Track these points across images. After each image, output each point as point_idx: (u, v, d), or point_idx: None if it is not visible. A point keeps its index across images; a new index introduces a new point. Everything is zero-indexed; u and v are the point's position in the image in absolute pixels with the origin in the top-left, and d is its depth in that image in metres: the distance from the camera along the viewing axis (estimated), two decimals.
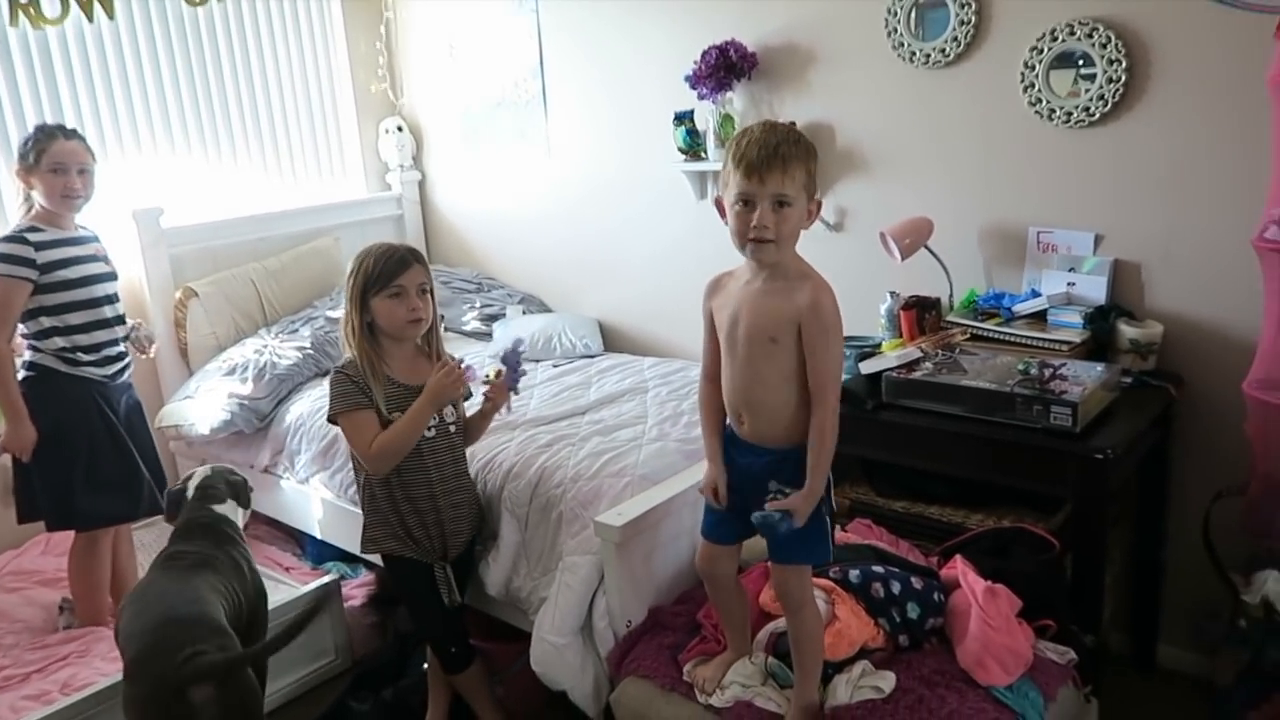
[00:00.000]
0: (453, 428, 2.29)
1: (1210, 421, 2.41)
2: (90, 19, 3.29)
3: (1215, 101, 2.29)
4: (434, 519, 2.26)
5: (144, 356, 2.91)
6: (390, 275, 2.15)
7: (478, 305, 3.84)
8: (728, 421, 1.91)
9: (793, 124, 1.74)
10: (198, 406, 3.19)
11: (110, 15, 3.33)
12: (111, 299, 2.73)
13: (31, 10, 3.16)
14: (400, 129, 4.12)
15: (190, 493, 2.38)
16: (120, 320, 2.76)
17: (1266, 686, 2.28)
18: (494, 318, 3.75)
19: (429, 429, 2.20)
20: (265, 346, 3.32)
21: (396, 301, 2.16)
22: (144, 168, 3.49)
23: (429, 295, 2.23)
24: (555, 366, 3.34)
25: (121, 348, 2.76)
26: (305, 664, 2.73)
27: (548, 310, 3.84)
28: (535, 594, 2.34)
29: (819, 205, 1.76)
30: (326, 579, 2.82)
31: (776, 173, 1.63)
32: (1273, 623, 2.15)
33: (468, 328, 3.77)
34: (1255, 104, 2.07)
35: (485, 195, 4.05)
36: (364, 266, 2.17)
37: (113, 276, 2.76)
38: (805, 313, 1.69)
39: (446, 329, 3.71)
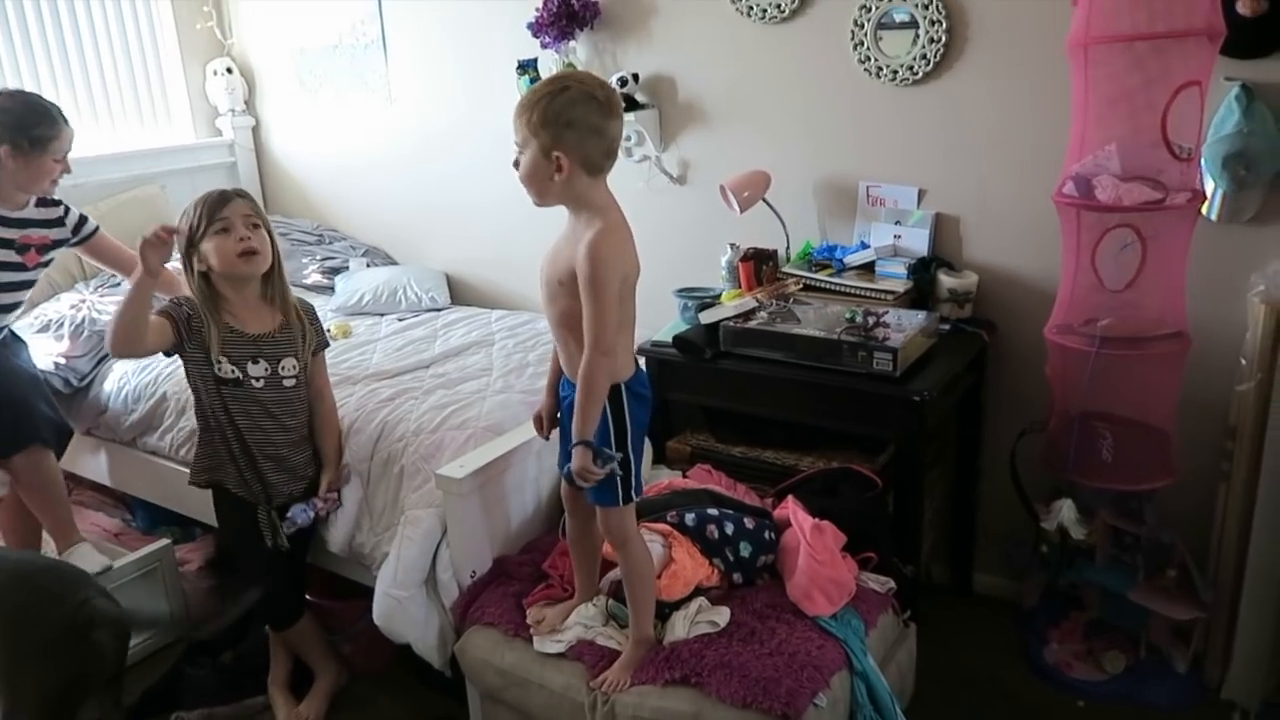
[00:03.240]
0: (288, 381, 2.27)
1: (1018, 365, 2.60)
2: None
3: (1024, 64, 2.44)
4: (249, 465, 2.27)
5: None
6: (213, 210, 2.14)
7: (319, 258, 3.70)
8: None
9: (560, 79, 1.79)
10: None
11: None
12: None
13: None
14: (230, 71, 3.89)
15: None
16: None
17: (1065, 605, 2.52)
18: (336, 270, 3.63)
19: (256, 379, 2.23)
20: (83, 301, 3.11)
21: (224, 237, 2.13)
22: None
23: (263, 231, 2.20)
24: (400, 320, 3.27)
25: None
26: (138, 631, 2.61)
27: (393, 263, 3.75)
28: (378, 550, 2.31)
29: (558, 160, 1.71)
30: (159, 544, 2.70)
31: (515, 126, 1.75)
32: (1067, 547, 2.36)
33: (309, 281, 3.64)
34: (1058, 67, 2.22)
35: (325, 143, 3.89)
36: (186, 213, 2.18)
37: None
38: (579, 260, 1.73)
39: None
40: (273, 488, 2.29)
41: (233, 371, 2.21)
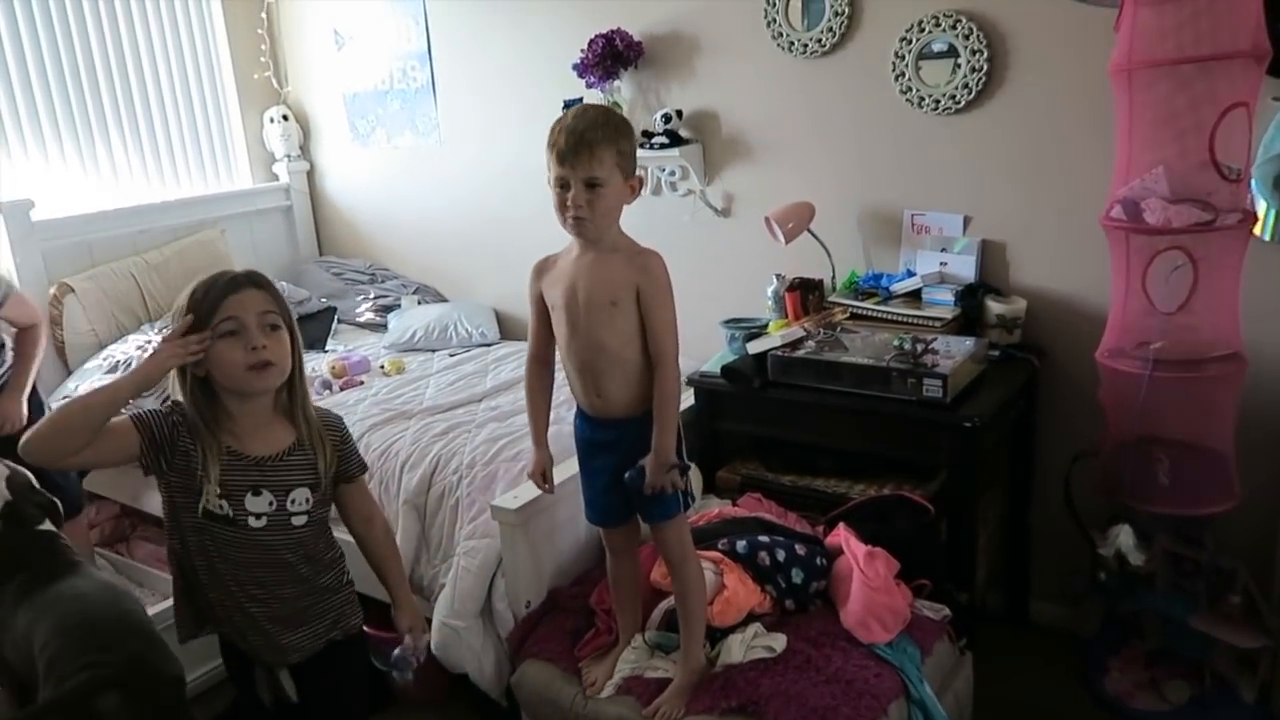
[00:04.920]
0: (297, 519, 1.67)
1: (1069, 389, 2.58)
2: None
3: (1066, 89, 2.45)
4: (250, 627, 1.70)
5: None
6: (217, 302, 1.57)
7: (372, 296, 3.80)
8: (580, 404, 1.98)
9: (610, 104, 1.87)
10: None
11: None
12: None
13: None
14: (286, 118, 4.03)
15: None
16: None
17: (1125, 634, 2.47)
18: (389, 308, 3.72)
19: (256, 517, 1.63)
20: (149, 343, 3.22)
21: (231, 342, 1.57)
22: (14, 160, 3.34)
23: (284, 332, 1.63)
24: (451, 355, 3.34)
25: None
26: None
27: (443, 299, 3.83)
28: (435, 581, 2.36)
29: (640, 181, 1.86)
30: None
31: (585, 157, 1.74)
32: (1125, 574, 2.33)
33: (362, 319, 3.74)
34: (1101, 92, 2.23)
35: (376, 184, 4.01)
36: (184, 304, 1.60)
37: None
38: (641, 276, 1.82)
39: (340, 321, 3.69)
40: (282, 653, 1.73)
41: (223, 507, 1.61)
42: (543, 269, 1.95)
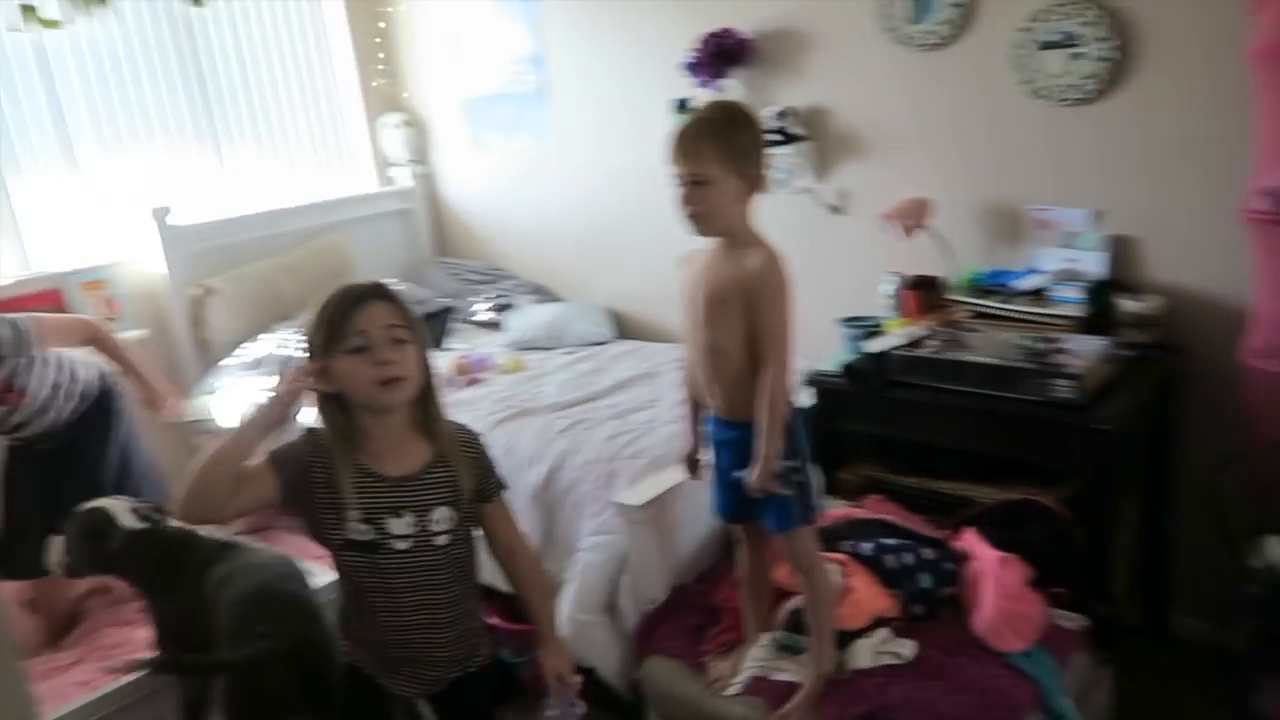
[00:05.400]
0: (440, 540, 1.62)
1: (1213, 390, 2.47)
2: (97, 21, 3.33)
3: (1200, 77, 2.35)
4: (399, 653, 1.67)
5: None
6: (344, 319, 1.54)
7: (489, 296, 3.90)
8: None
9: (729, 102, 1.86)
10: (221, 401, 3.25)
11: (117, 19, 3.37)
12: None
13: (40, 15, 3.20)
14: (406, 123, 4.16)
15: (123, 518, 2.13)
16: None
17: (1277, 650, 2.35)
18: (505, 308, 3.81)
19: (402, 539, 1.59)
20: (284, 340, 3.38)
21: (359, 359, 1.53)
22: (162, 170, 3.55)
23: (412, 345, 1.59)
24: (568, 354, 3.41)
25: None
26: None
27: (558, 299, 3.90)
28: (560, 576, 2.41)
29: (757, 177, 1.81)
30: None
31: (690, 156, 1.76)
32: (1277, 588, 2.22)
33: (479, 319, 3.84)
34: (1239, 78, 2.13)
35: (492, 187, 4.11)
36: (313, 321, 1.58)
37: None
38: (752, 275, 1.79)
39: (458, 320, 3.79)
40: (422, 683, 1.69)
41: (366, 531, 1.58)
42: (689, 260, 1.97)
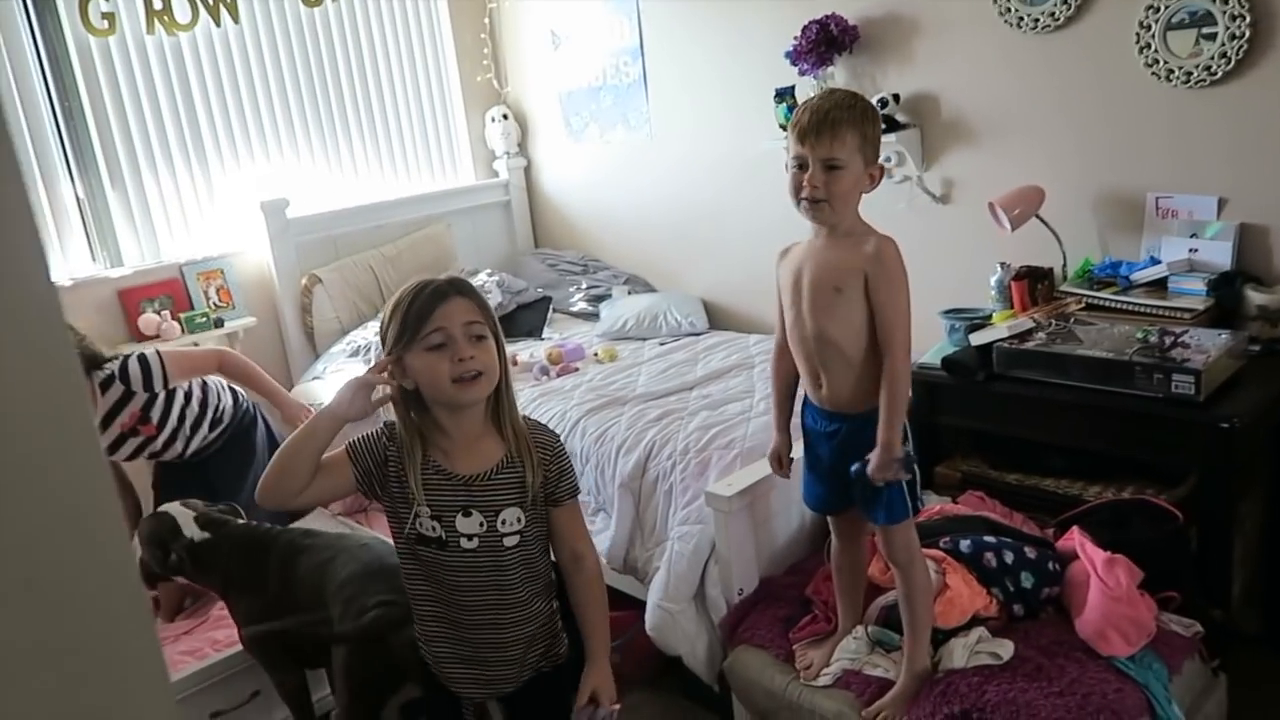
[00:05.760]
0: (509, 540, 1.59)
1: None
2: (218, 23, 3.49)
3: None
4: (465, 651, 1.64)
5: None
6: (423, 314, 1.52)
7: (584, 286, 3.93)
8: (804, 393, 1.94)
9: (854, 93, 1.79)
10: (326, 387, 3.36)
11: (235, 19, 3.53)
12: None
13: (165, 17, 3.37)
14: (506, 117, 4.23)
15: (187, 528, 2.22)
16: None
17: None
18: (600, 298, 3.83)
19: (469, 538, 1.56)
20: None
21: (437, 355, 1.52)
22: (271, 162, 3.69)
23: (490, 341, 1.56)
24: (661, 345, 3.40)
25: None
26: None
27: (652, 290, 3.90)
28: (649, 564, 2.41)
29: (881, 170, 1.79)
30: None
31: (826, 137, 1.69)
32: None
33: (575, 309, 3.87)
34: None
35: (589, 179, 4.14)
36: (390, 315, 1.57)
37: None
38: (870, 262, 1.73)
39: (554, 310, 3.83)
40: (492, 685, 1.65)
41: (435, 529, 1.57)
42: (783, 256, 1.92)
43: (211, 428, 2.72)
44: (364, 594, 1.96)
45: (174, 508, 2.27)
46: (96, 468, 0.46)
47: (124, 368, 2.52)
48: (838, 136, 1.69)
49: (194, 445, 2.70)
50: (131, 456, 2.65)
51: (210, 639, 2.66)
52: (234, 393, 2.81)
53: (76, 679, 0.46)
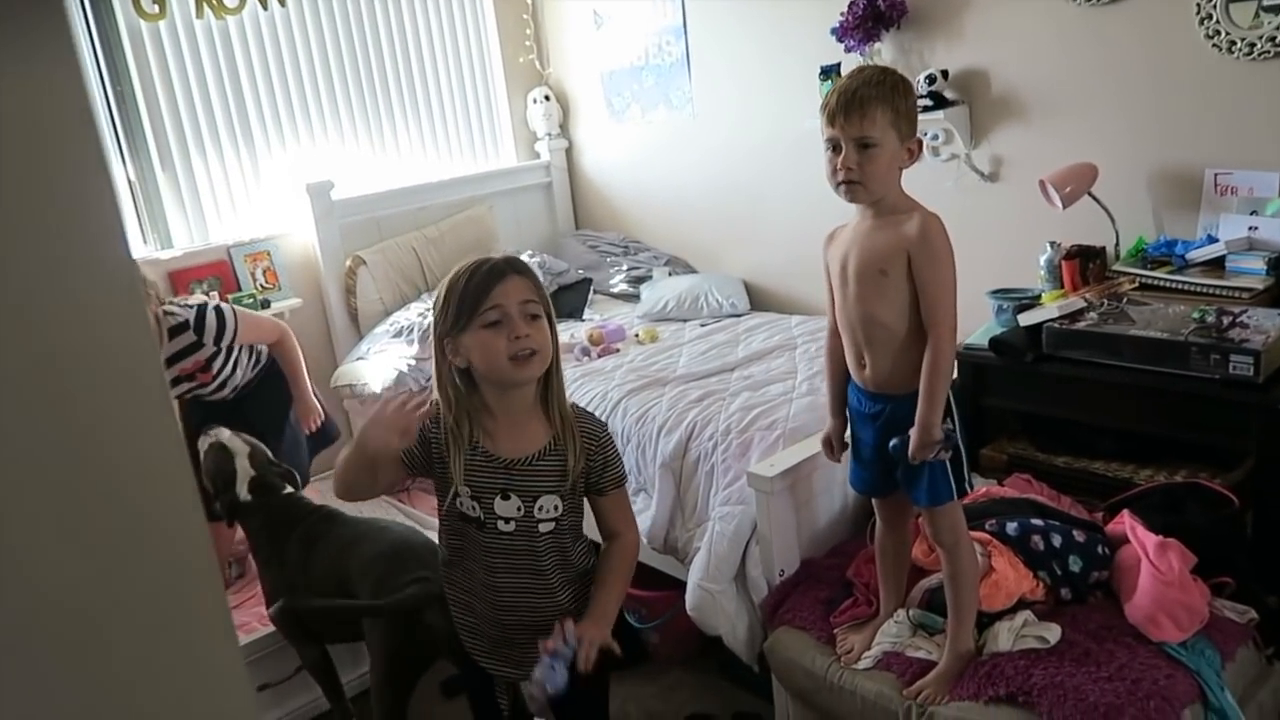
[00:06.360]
0: (544, 526, 1.59)
1: None
2: (265, 7, 3.52)
3: None
4: (495, 632, 1.67)
5: None
6: (480, 292, 1.53)
7: (625, 268, 3.92)
8: (851, 373, 1.91)
9: (886, 68, 1.77)
10: (370, 367, 3.40)
11: (282, 3, 3.55)
12: None
13: (215, 2, 3.40)
14: (548, 98, 4.22)
15: (241, 487, 2.29)
16: None
17: None
18: (641, 279, 3.82)
19: (506, 520, 1.58)
20: (428, 310, 3.49)
21: (493, 332, 1.52)
22: (316, 145, 3.72)
23: (544, 321, 1.57)
24: (702, 326, 3.38)
25: None
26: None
27: (693, 271, 3.88)
28: (690, 544, 2.40)
29: (919, 144, 1.75)
30: None
31: (855, 116, 1.66)
32: None
33: (615, 290, 3.86)
34: None
35: (630, 159, 4.12)
36: (445, 293, 1.57)
37: None
38: (913, 241, 1.70)
39: (595, 291, 3.83)
40: (524, 666, 1.58)
41: (474, 509, 1.58)
42: (830, 239, 1.90)
43: (252, 369, 2.79)
44: (397, 572, 1.98)
45: (240, 462, 2.31)
46: (170, 433, 0.48)
47: (200, 317, 2.55)
48: (867, 114, 1.66)
49: (235, 386, 2.75)
50: (180, 397, 2.72)
51: (258, 614, 2.72)
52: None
53: (150, 631, 0.47)
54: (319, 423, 2.92)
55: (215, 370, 2.66)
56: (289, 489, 2.35)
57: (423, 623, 1.90)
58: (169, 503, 0.48)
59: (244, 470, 2.31)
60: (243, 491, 2.28)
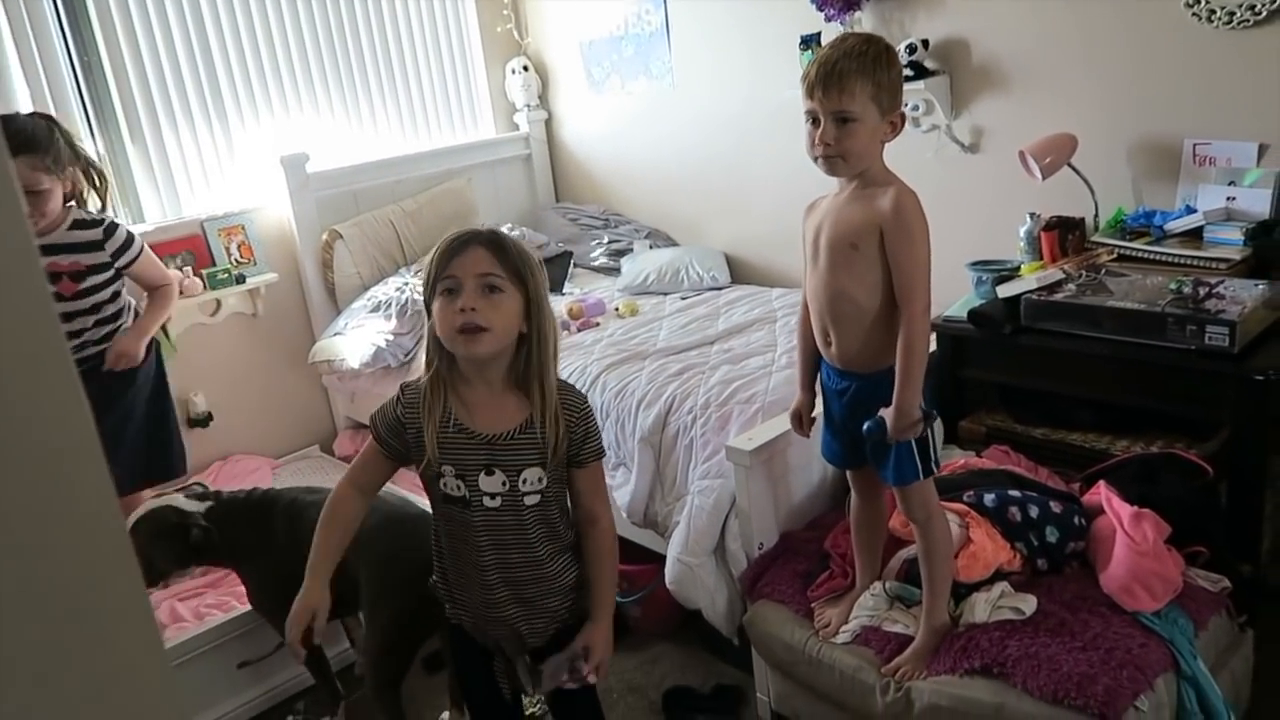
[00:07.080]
0: (530, 499, 1.57)
1: None
2: None
3: None
4: (485, 606, 1.64)
5: None
6: (444, 260, 1.51)
7: (605, 241, 3.89)
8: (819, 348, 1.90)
9: (870, 36, 1.72)
10: (347, 342, 3.37)
11: None
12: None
13: None
14: (526, 68, 4.16)
15: (188, 506, 2.23)
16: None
17: None
18: (621, 253, 3.79)
19: (492, 496, 1.55)
20: (406, 284, 3.46)
21: (447, 300, 1.49)
22: (290, 116, 3.66)
23: (507, 296, 1.50)
24: (683, 299, 3.37)
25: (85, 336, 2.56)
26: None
27: (674, 243, 3.86)
28: (669, 518, 2.40)
29: (902, 118, 1.72)
30: None
31: (834, 90, 1.63)
32: None
33: (596, 263, 3.84)
34: None
35: (610, 131, 4.07)
36: (428, 260, 1.58)
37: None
38: (886, 216, 1.67)
39: (575, 265, 3.80)
40: (520, 640, 1.65)
41: (459, 488, 1.55)
42: (811, 207, 1.87)
43: (112, 321, 2.61)
44: (400, 551, 1.98)
45: (162, 500, 2.25)
46: (79, 416, 0.45)
47: (115, 225, 2.53)
48: (846, 89, 1.62)
49: (92, 318, 2.55)
50: None
51: (238, 593, 2.71)
52: (137, 315, 2.72)
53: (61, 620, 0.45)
54: (123, 366, 2.62)
55: (83, 285, 2.48)
56: (240, 491, 2.34)
57: (430, 595, 1.89)
58: (77, 477, 0.45)
59: (174, 498, 2.25)
60: (197, 506, 2.23)
